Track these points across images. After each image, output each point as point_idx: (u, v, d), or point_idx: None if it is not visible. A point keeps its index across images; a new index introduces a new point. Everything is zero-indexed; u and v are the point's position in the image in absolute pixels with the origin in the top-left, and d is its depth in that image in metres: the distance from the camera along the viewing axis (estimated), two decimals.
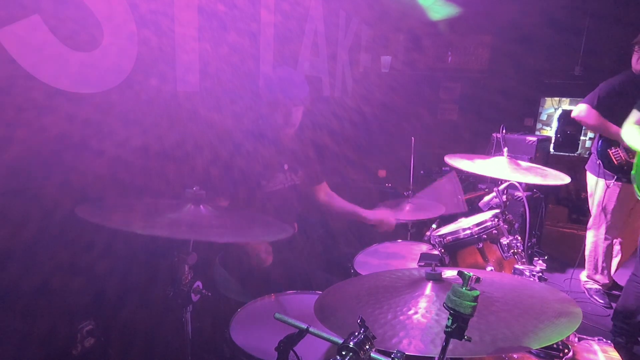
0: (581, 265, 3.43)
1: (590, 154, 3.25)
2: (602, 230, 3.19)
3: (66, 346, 1.77)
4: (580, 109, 3.02)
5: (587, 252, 3.36)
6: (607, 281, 3.32)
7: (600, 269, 3.29)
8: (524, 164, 2.27)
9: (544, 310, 1.02)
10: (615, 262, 3.34)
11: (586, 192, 3.30)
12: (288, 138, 2.10)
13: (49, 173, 1.61)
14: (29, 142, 1.54)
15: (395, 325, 0.97)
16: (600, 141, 3.04)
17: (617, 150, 2.93)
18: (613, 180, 3.00)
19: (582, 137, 5.68)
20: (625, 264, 3.48)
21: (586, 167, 3.26)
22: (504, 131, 2.56)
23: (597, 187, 3.15)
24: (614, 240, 3.20)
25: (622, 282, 3.51)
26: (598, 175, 3.10)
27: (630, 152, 2.83)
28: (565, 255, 4.19)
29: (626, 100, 2.82)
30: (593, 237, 3.28)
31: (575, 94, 5.63)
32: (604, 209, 3.12)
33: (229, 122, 2.46)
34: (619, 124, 2.69)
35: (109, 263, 1.80)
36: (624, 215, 3.10)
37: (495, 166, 2.21)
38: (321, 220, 2.50)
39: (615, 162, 2.94)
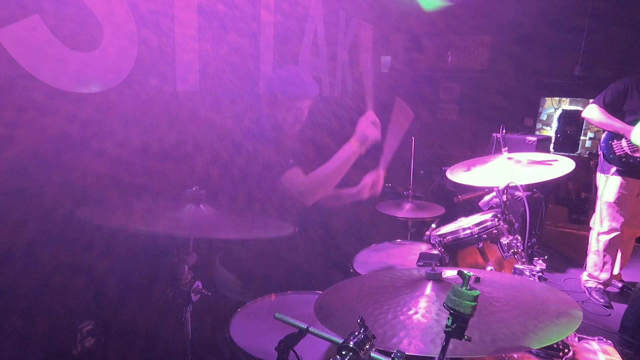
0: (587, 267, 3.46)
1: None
2: (605, 224, 3.21)
3: (66, 346, 1.77)
4: (589, 109, 3.20)
5: (590, 250, 3.38)
6: (608, 277, 3.33)
7: (601, 265, 3.31)
8: (525, 160, 2.27)
9: (544, 310, 1.02)
10: (618, 257, 3.36)
11: (586, 192, 3.32)
12: (294, 135, 2.10)
13: (49, 173, 1.61)
14: (29, 142, 1.54)
15: (395, 325, 0.97)
16: (605, 133, 3.17)
17: (619, 143, 3.04)
18: (612, 171, 3.10)
19: (582, 137, 5.68)
20: (631, 261, 3.50)
21: (597, 169, 3.34)
22: (504, 131, 2.56)
23: (599, 181, 3.25)
24: (615, 235, 3.21)
25: (627, 278, 3.54)
26: (601, 171, 3.22)
27: (631, 146, 2.98)
28: (565, 255, 4.20)
29: (630, 99, 3.01)
30: (596, 234, 3.31)
31: (575, 94, 5.64)
32: (605, 202, 3.18)
33: (228, 121, 2.46)
34: (624, 120, 3.01)
35: (109, 263, 1.80)
36: (624, 209, 3.12)
37: (497, 170, 2.22)
38: (321, 220, 2.50)
39: (616, 153, 3.05)
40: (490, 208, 2.20)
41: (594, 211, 3.34)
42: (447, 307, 0.80)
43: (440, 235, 2.00)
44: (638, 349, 2.50)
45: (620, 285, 3.50)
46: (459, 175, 2.27)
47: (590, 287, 3.40)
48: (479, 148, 4.94)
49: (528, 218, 2.04)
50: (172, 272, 1.38)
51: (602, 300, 3.26)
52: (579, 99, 5.72)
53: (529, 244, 3.61)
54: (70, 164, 1.67)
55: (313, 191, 1.84)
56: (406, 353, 0.83)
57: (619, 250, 3.32)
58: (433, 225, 2.16)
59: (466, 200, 2.66)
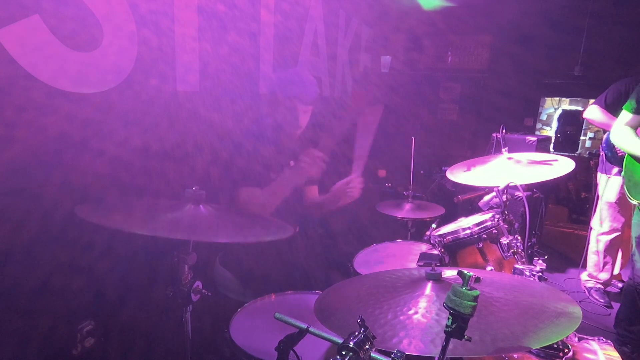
0: (585, 266, 3.45)
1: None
2: (605, 225, 3.21)
3: (66, 346, 1.77)
4: (590, 110, 3.19)
5: (590, 250, 3.37)
6: (609, 277, 3.33)
7: (602, 265, 3.31)
8: (525, 160, 2.27)
9: (544, 310, 1.02)
10: (618, 257, 3.36)
11: (586, 192, 3.32)
12: (294, 138, 2.10)
13: (49, 173, 1.61)
14: (29, 142, 1.54)
15: (395, 325, 0.97)
16: (607, 134, 3.14)
17: None
18: (614, 172, 3.09)
19: (582, 137, 5.68)
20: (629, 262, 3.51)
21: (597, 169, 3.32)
22: (504, 131, 2.56)
23: (600, 181, 3.24)
24: (616, 235, 3.21)
25: (627, 278, 3.54)
26: (602, 171, 3.20)
27: None
28: (565, 255, 4.20)
29: None
30: (596, 234, 3.31)
31: (575, 94, 5.64)
32: (606, 203, 3.17)
33: (228, 121, 2.46)
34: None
35: (109, 263, 1.80)
36: (625, 209, 3.12)
37: (497, 170, 2.22)
38: (321, 220, 2.50)
39: (618, 154, 3.02)
40: (490, 208, 2.21)
41: (594, 211, 3.35)
42: (447, 307, 0.80)
43: (440, 235, 2.00)
44: (634, 344, 2.50)
45: (620, 285, 3.50)
46: (459, 175, 2.27)
47: (590, 287, 3.40)
48: (479, 148, 4.94)
49: (528, 218, 2.05)
50: (172, 272, 1.38)
51: (602, 300, 3.27)
52: (579, 99, 5.73)
53: (529, 244, 3.61)
54: (70, 164, 1.67)
55: (271, 203, 1.95)
56: (406, 353, 0.83)
57: (619, 250, 3.33)
58: (433, 226, 2.16)
59: (466, 200, 2.67)
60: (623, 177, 2.51)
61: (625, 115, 2.47)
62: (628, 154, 2.47)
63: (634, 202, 2.40)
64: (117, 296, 1.88)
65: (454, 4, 5.09)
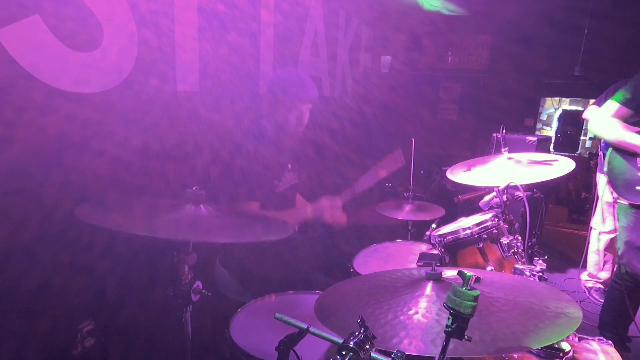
0: (585, 266, 3.45)
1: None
2: (607, 224, 3.22)
3: (66, 346, 1.77)
4: (590, 110, 3.16)
5: (590, 249, 3.37)
6: (609, 276, 3.33)
7: (602, 264, 3.31)
8: (525, 160, 2.27)
9: (544, 310, 1.02)
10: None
11: (586, 192, 3.32)
12: (296, 137, 2.11)
13: (49, 173, 1.61)
14: (29, 142, 1.54)
15: (395, 325, 0.97)
16: None
17: None
18: None
19: (582, 137, 5.68)
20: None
21: (597, 169, 3.33)
22: (504, 131, 2.56)
23: (600, 181, 3.23)
24: (616, 235, 3.21)
25: None
26: (601, 172, 3.19)
27: None
28: (565, 255, 4.20)
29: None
30: (597, 233, 3.31)
31: (575, 94, 5.64)
32: (606, 202, 3.18)
33: (229, 121, 2.46)
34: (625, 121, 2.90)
35: (109, 263, 1.80)
36: None
37: (497, 170, 2.22)
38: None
39: None
40: (491, 208, 2.21)
41: (594, 211, 3.35)
42: (447, 307, 0.80)
43: (440, 235, 2.00)
44: (616, 343, 2.50)
45: None
46: (459, 175, 2.27)
47: (590, 287, 3.40)
48: (479, 148, 4.94)
49: (528, 218, 2.05)
50: (172, 272, 1.37)
51: (602, 300, 3.26)
52: (579, 99, 5.73)
53: (529, 244, 3.61)
54: (70, 164, 1.67)
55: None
56: (406, 353, 0.83)
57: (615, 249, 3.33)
58: (433, 225, 2.16)
59: (466, 200, 2.67)
60: (607, 173, 2.43)
61: (612, 106, 2.40)
62: (613, 147, 2.40)
63: (624, 202, 2.37)
64: (117, 296, 1.88)
65: (459, 11, 5.10)
